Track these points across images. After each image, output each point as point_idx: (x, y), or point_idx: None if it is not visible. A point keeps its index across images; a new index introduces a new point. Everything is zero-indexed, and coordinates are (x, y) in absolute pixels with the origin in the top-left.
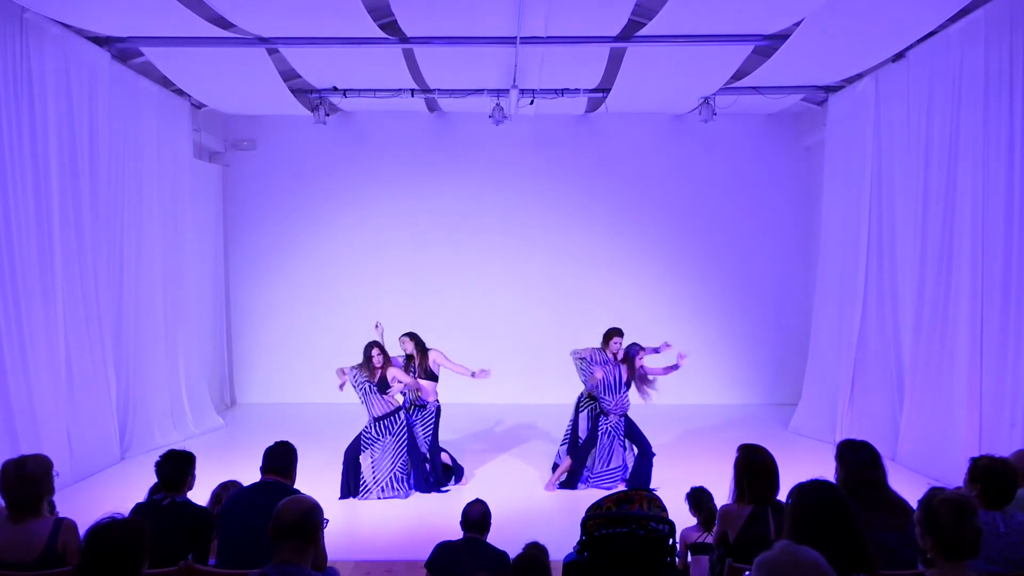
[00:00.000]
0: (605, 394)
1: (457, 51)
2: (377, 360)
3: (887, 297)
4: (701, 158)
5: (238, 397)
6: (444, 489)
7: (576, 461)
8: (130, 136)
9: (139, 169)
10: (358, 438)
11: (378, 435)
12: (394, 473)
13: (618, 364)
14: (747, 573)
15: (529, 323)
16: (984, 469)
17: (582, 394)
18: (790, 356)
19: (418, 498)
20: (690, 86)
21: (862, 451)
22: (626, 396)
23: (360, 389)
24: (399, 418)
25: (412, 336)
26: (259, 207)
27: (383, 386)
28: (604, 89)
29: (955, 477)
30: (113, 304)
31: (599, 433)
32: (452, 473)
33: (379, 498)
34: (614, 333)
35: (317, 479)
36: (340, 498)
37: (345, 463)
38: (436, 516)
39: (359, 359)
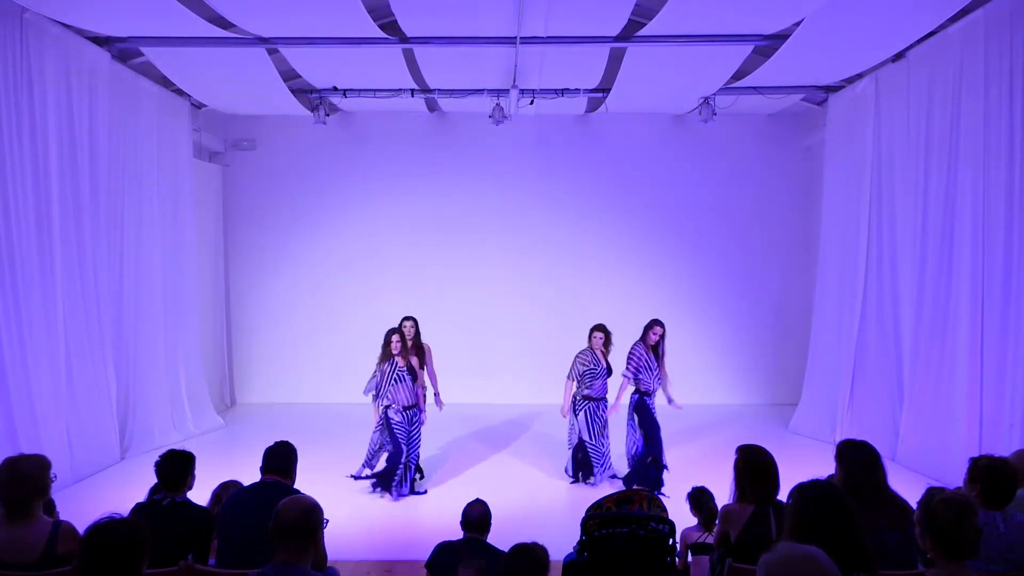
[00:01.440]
0: (643, 375)
1: (457, 51)
2: (395, 346)
3: (887, 297)
4: (701, 158)
5: (238, 397)
6: (421, 491)
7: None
8: (130, 136)
9: (139, 169)
10: (392, 429)
11: (408, 424)
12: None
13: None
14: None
15: (529, 323)
16: (984, 469)
17: (576, 396)
18: (790, 356)
19: (418, 498)
20: (690, 86)
21: (862, 451)
22: (658, 372)
23: (392, 377)
24: (415, 413)
25: (415, 322)
26: (259, 207)
27: (413, 373)
28: (604, 89)
29: (955, 477)
30: (113, 304)
31: (653, 415)
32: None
33: (371, 490)
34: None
35: (317, 479)
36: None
37: (390, 456)
38: (436, 516)
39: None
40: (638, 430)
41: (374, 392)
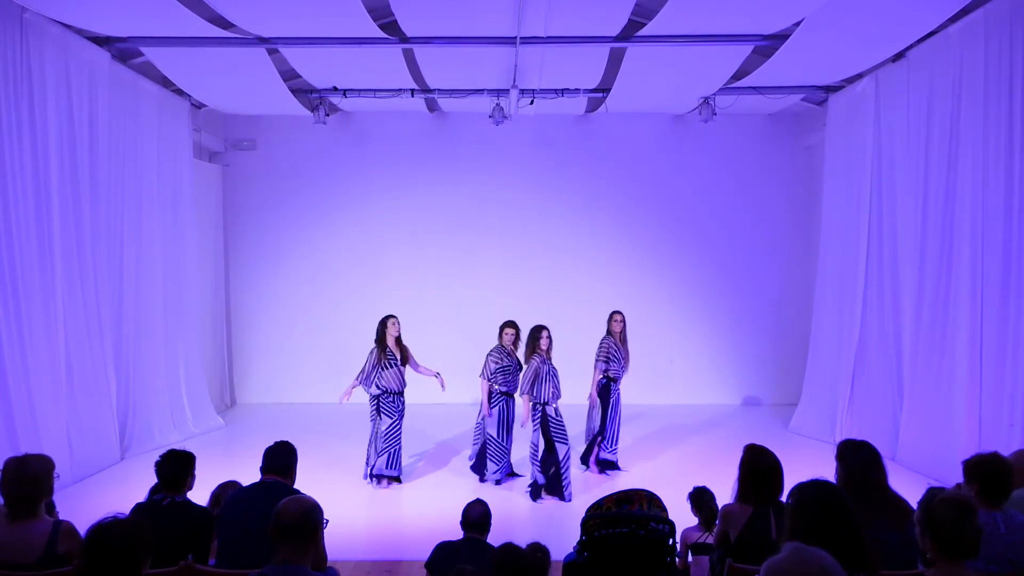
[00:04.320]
0: (612, 363)
1: (457, 51)
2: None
3: (887, 297)
4: (701, 158)
5: (238, 397)
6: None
7: (598, 435)
8: (130, 136)
9: (139, 169)
10: (551, 428)
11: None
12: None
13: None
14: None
15: (529, 322)
16: (976, 466)
17: (492, 392)
18: (790, 356)
19: (418, 498)
20: (690, 86)
21: (862, 451)
22: (625, 360)
23: (546, 374)
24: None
25: (397, 320)
26: (259, 207)
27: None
28: (604, 89)
29: (955, 477)
30: (113, 304)
31: (612, 401)
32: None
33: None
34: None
35: (317, 479)
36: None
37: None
38: (436, 516)
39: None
40: (598, 413)
41: (529, 391)
